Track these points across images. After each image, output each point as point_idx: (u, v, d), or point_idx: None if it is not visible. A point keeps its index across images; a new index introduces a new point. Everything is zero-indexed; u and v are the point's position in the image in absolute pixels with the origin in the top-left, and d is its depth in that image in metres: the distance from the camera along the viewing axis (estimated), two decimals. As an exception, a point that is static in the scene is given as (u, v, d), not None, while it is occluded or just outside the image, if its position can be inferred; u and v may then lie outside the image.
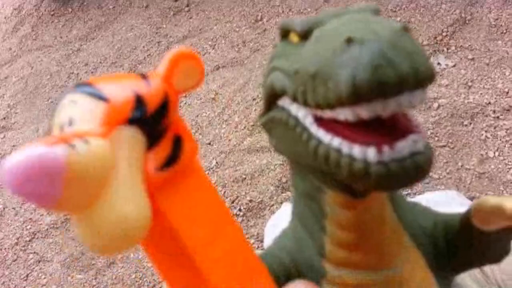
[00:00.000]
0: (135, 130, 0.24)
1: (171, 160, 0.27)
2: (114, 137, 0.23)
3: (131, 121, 0.24)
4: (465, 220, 0.37)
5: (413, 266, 0.37)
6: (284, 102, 0.32)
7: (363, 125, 0.27)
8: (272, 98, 0.34)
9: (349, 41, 0.26)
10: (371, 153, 0.26)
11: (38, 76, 2.07)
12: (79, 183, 0.20)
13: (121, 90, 0.24)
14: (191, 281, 0.30)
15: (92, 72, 1.95)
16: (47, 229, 1.42)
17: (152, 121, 0.25)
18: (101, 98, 0.23)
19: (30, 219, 1.48)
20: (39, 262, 1.35)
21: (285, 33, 0.34)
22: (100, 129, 0.22)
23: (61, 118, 0.23)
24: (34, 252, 1.38)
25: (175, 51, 0.27)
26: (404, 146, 0.26)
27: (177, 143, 0.28)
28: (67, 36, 2.20)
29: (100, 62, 1.98)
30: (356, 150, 0.27)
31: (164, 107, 0.26)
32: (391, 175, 0.26)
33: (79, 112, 0.23)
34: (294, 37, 0.33)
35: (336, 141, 0.28)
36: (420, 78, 0.25)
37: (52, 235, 1.40)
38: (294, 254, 0.40)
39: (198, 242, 0.29)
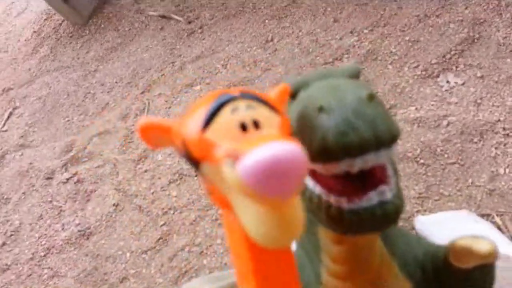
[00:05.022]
0: None
1: None
2: None
3: None
4: (444, 256, 0.41)
5: None
6: None
7: (344, 176, 0.32)
8: None
9: (321, 109, 0.31)
10: (344, 202, 0.32)
11: (56, 95, 2.14)
12: (303, 174, 0.23)
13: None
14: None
15: (108, 92, 2.00)
16: (61, 245, 1.45)
17: None
18: (274, 111, 0.26)
19: (45, 234, 1.50)
20: (53, 277, 1.37)
21: None
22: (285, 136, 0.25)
23: (242, 116, 0.25)
24: (49, 267, 1.41)
25: None
26: (373, 196, 0.31)
27: None
28: (84, 57, 2.27)
29: (116, 82, 2.03)
30: (332, 199, 0.32)
31: None
32: (361, 220, 0.31)
33: (261, 116, 0.25)
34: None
35: (317, 189, 0.33)
36: (381, 142, 0.30)
37: (67, 251, 1.43)
38: None
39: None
